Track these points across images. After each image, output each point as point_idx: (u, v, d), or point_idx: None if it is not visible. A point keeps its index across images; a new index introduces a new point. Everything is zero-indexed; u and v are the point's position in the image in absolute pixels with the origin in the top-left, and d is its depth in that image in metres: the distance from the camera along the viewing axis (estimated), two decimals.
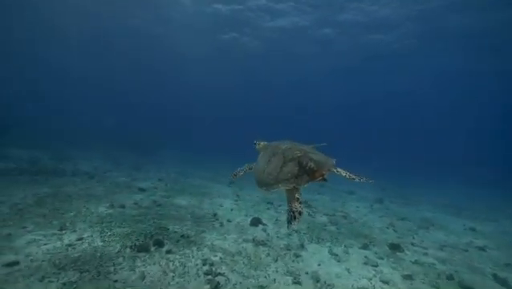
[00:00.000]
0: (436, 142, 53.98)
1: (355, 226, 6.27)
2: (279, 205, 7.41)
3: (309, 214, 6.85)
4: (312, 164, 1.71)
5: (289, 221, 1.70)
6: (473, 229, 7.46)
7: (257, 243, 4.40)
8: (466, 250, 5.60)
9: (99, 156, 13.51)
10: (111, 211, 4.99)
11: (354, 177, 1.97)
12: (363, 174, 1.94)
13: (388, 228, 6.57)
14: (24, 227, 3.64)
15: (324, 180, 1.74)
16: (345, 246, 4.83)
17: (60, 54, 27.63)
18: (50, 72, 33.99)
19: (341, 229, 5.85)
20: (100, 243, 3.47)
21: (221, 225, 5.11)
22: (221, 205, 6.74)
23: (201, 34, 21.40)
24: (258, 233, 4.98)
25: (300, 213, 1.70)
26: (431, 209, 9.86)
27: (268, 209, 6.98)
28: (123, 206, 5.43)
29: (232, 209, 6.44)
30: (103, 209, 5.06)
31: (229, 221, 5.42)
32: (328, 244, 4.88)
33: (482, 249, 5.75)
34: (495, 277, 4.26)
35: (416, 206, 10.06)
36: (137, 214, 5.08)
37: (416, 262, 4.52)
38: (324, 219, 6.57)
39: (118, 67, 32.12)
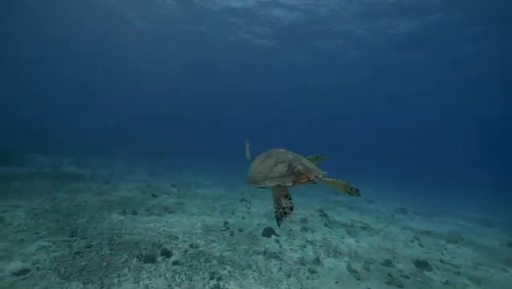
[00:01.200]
0: (454, 149, 51.05)
1: (375, 239, 5.82)
2: (294, 214, 7.10)
3: (325, 225, 6.49)
4: (300, 168, 1.80)
5: (279, 218, 1.70)
6: (510, 245, 6.72)
7: (269, 256, 4.14)
8: (505, 270, 4.98)
9: (116, 161, 13.92)
10: (122, 218, 4.97)
11: (345, 188, 1.99)
12: (354, 187, 1.93)
13: (412, 242, 6.05)
14: (37, 233, 3.66)
15: (311, 181, 1.80)
16: (365, 262, 4.44)
17: (72, 59, 28.89)
18: (67, 78, 35.83)
19: (360, 242, 5.44)
20: (108, 252, 3.40)
21: (232, 234, 4.92)
22: (233, 213, 6.55)
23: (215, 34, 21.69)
24: (270, 244, 4.73)
25: (291, 209, 1.71)
26: (458, 221, 9.08)
27: None
28: (135, 213, 5.41)
29: (244, 218, 6.24)
30: (115, 216, 5.05)
31: (240, 230, 5.21)
32: (346, 258, 4.52)
33: None
34: None
35: (440, 217, 9.33)
36: (148, 221, 5.02)
37: (447, 283, 4.05)
38: (342, 230, 6.18)
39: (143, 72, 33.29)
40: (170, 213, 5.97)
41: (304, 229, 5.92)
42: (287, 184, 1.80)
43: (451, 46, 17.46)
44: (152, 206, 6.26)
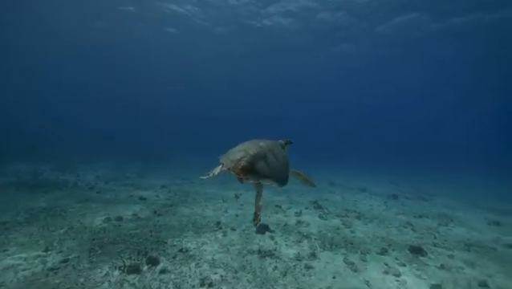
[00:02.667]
0: (441, 134, 52.84)
1: (370, 228, 5.79)
2: (288, 208, 6.99)
3: (320, 217, 6.40)
4: (242, 163, 1.73)
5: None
6: (497, 224, 6.89)
7: (263, 254, 3.98)
8: (495, 249, 5.06)
9: (103, 165, 13.36)
10: (106, 225, 4.67)
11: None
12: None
13: (405, 227, 6.06)
14: (4, 250, 3.32)
15: (240, 179, 1.76)
16: (361, 253, 4.37)
17: (58, 61, 27.63)
18: (49, 81, 34.15)
19: (356, 233, 5.38)
20: (87, 265, 3.12)
21: (225, 234, 4.72)
22: (226, 212, 6.35)
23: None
24: (264, 241, 4.57)
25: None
26: (447, 202, 9.28)
27: (276, 213, 6.56)
28: (120, 219, 5.11)
29: (237, 216, 6.05)
30: (97, 223, 4.73)
31: (233, 229, 5.02)
32: (343, 251, 4.43)
33: None
34: None
35: (431, 201, 9.49)
36: (134, 227, 4.74)
37: (442, 268, 4.03)
38: (337, 221, 6.11)
39: (118, 73, 32.10)
40: (159, 216, 5.70)
41: (299, 222, 5.80)
42: (230, 173, 1.77)
43: None
44: (139, 210, 5.96)
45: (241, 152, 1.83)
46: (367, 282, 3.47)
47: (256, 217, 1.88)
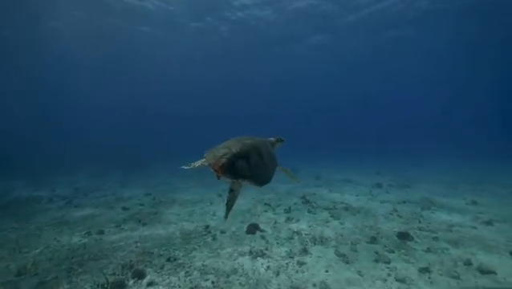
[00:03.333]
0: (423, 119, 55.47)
1: (358, 218, 5.89)
2: (278, 206, 6.96)
3: (309, 211, 6.43)
4: (223, 160, 1.73)
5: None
6: (474, 203, 7.26)
7: (255, 255, 3.91)
8: (475, 228, 5.32)
9: (82, 176, 12.67)
10: (86, 240, 4.38)
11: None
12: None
13: (391, 214, 6.23)
14: None
15: (218, 176, 1.77)
16: (352, 243, 4.42)
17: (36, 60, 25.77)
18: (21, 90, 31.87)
19: (345, 224, 5.45)
20: (66, 286, 2.89)
21: (214, 238, 4.59)
22: (214, 215, 6.21)
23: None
24: (255, 242, 4.50)
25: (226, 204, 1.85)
26: (428, 187, 9.68)
27: (266, 211, 6.51)
28: (101, 232, 4.82)
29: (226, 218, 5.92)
30: (76, 240, 4.44)
31: (222, 232, 4.91)
32: (334, 243, 4.46)
33: (490, 223, 5.49)
34: None
35: (413, 186, 9.86)
36: (117, 240, 4.49)
37: (428, 250, 4.16)
38: (325, 214, 6.16)
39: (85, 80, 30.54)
40: (144, 225, 5.46)
41: (289, 219, 5.79)
42: (209, 168, 1.76)
43: None
44: (122, 221, 5.68)
45: (226, 148, 1.84)
46: (359, 272, 3.51)
47: (226, 215, 1.91)
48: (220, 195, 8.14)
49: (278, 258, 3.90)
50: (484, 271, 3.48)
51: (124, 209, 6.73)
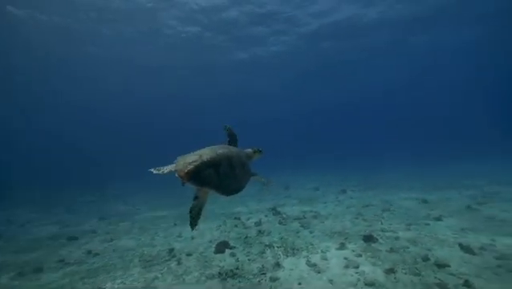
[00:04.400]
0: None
1: (327, 225, 5.99)
2: (248, 219, 6.76)
3: (280, 222, 6.36)
4: (190, 167, 1.74)
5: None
6: (425, 201, 7.98)
7: (224, 277, 3.64)
8: (428, 224, 5.78)
9: (19, 204, 10.83)
10: (16, 283, 3.62)
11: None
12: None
13: (357, 218, 6.48)
14: None
15: (182, 183, 1.79)
16: (322, 252, 4.42)
17: None
18: None
19: (315, 232, 5.48)
20: None
21: (179, 262, 4.19)
22: (180, 235, 5.75)
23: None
24: (225, 261, 4.22)
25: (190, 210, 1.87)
26: (388, 190, 10.44)
27: (236, 226, 6.26)
28: (39, 270, 4.05)
29: (193, 238, 5.52)
30: (4, 282, 3.63)
31: (188, 254, 4.51)
32: (305, 253, 4.41)
33: (439, 219, 6.02)
34: (461, 246, 4.34)
35: (374, 190, 10.54)
36: (60, 277, 3.81)
37: (391, 250, 4.36)
38: (296, 224, 6.15)
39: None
40: (96, 256, 4.77)
41: (260, 232, 5.62)
42: (175, 175, 1.77)
43: None
44: (68, 254, 4.89)
45: (196, 156, 1.84)
46: (330, 281, 3.48)
47: (192, 225, 1.90)
48: (187, 213, 7.62)
49: (250, 276, 3.68)
50: (440, 265, 3.74)
51: (71, 239, 5.85)
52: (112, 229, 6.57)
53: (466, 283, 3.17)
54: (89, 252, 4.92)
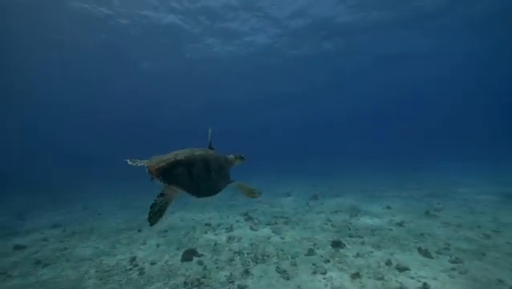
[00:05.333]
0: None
1: (297, 231, 6.04)
2: (219, 225, 6.57)
3: (251, 228, 6.27)
4: (162, 164, 1.79)
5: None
6: (388, 208, 8.46)
7: (190, 286, 3.45)
8: (391, 230, 6.11)
9: None
10: None
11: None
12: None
13: (326, 224, 6.64)
14: None
15: (151, 178, 1.81)
16: (291, 258, 4.42)
17: None
18: None
19: (285, 238, 5.48)
20: None
21: (141, 273, 3.89)
22: (144, 243, 5.38)
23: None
24: (191, 269, 4.01)
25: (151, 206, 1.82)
26: (355, 196, 10.92)
27: (205, 232, 6.03)
28: None
29: (158, 245, 5.19)
30: None
31: (152, 263, 4.22)
32: (275, 260, 4.37)
33: (401, 224, 6.40)
34: (419, 250, 4.63)
35: (343, 196, 10.95)
36: None
37: (358, 256, 4.50)
38: (267, 230, 6.11)
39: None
40: (45, 267, 4.26)
41: (230, 239, 5.48)
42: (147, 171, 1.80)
43: None
44: (12, 265, 4.30)
45: (171, 155, 1.90)
46: (299, 287, 3.47)
47: (151, 219, 1.80)
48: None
49: (217, 285, 3.53)
50: (401, 269, 3.93)
51: (18, 248, 5.18)
52: (67, 236, 5.95)
53: (425, 286, 3.36)
54: (38, 262, 4.38)
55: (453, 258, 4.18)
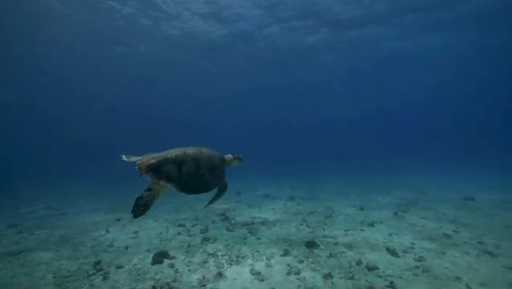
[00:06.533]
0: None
1: (274, 231, 6.04)
2: (194, 226, 6.37)
3: (227, 229, 6.16)
4: (152, 161, 1.87)
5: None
6: (361, 209, 8.81)
7: None
8: (363, 230, 6.34)
9: None
10: None
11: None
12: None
13: (302, 225, 6.72)
14: None
15: (140, 173, 1.86)
16: (267, 258, 4.39)
17: None
18: None
19: (262, 239, 5.45)
20: None
21: (105, 277, 3.63)
22: (112, 245, 5.05)
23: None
24: (162, 273, 3.82)
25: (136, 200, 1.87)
26: (330, 198, 11.23)
27: (179, 233, 5.82)
28: None
29: (127, 247, 4.90)
30: None
31: (119, 267, 3.96)
32: (249, 261, 4.31)
33: (372, 225, 6.67)
34: (388, 250, 4.84)
35: (319, 198, 11.21)
36: None
37: (330, 256, 4.59)
38: (243, 231, 6.04)
39: None
40: None
41: (205, 240, 5.33)
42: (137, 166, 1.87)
43: None
44: None
45: (163, 153, 2.00)
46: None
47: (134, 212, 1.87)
48: (118, 220, 6.83)
49: (189, 288, 3.39)
50: (370, 268, 4.07)
51: None
52: (23, 238, 5.41)
53: (391, 285, 3.50)
54: None
55: (417, 256, 4.42)
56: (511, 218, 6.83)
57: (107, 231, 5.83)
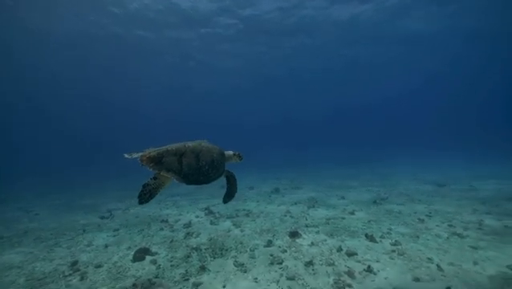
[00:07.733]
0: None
1: (258, 223, 6.10)
2: (177, 221, 6.29)
3: (211, 222, 6.14)
4: (153, 153, 2.02)
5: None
6: (342, 198, 9.10)
7: (140, 288, 3.21)
8: (344, 218, 6.56)
9: None
10: None
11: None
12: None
13: (285, 215, 6.84)
14: None
15: (141, 164, 2.00)
16: (250, 250, 4.44)
17: None
18: None
19: (245, 231, 5.49)
20: None
21: (83, 278, 3.50)
22: (91, 244, 4.87)
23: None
24: (143, 270, 3.75)
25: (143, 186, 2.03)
26: (313, 188, 11.50)
27: (161, 229, 5.72)
28: None
29: (107, 246, 4.75)
30: None
31: (98, 266, 3.83)
32: (233, 253, 4.34)
33: (352, 213, 6.92)
34: (366, 236, 5.06)
35: (302, 189, 11.45)
36: None
37: (312, 245, 4.72)
38: (228, 224, 6.05)
39: None
40: None
41: (189, 234, 5.29)
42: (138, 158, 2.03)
43: None
44: None
45: (166, 147, 2.14)
46: (255, 279, 3.49)
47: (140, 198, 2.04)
48: (102, 218, 6.59)
49: (171, 284, 3.36)
50: (350, 254, 4.24)
51: None
52: None
53: (369, 268, 3.66)
54: None
55: (393, 241, 4.65)
56: (478, 202, 7.36)
57: (84, 231, 5.60)
